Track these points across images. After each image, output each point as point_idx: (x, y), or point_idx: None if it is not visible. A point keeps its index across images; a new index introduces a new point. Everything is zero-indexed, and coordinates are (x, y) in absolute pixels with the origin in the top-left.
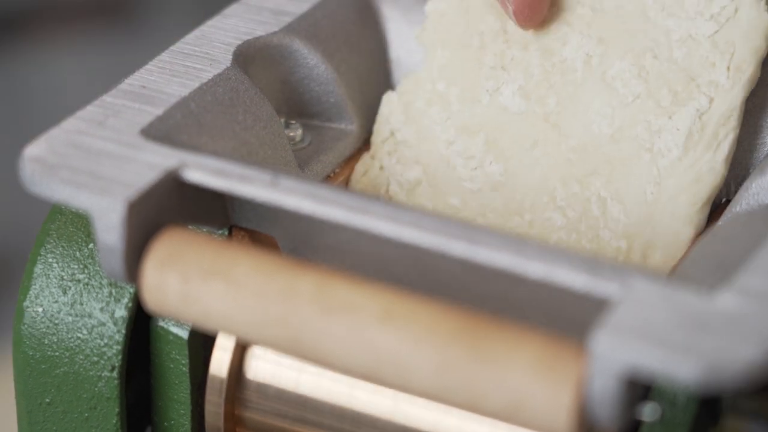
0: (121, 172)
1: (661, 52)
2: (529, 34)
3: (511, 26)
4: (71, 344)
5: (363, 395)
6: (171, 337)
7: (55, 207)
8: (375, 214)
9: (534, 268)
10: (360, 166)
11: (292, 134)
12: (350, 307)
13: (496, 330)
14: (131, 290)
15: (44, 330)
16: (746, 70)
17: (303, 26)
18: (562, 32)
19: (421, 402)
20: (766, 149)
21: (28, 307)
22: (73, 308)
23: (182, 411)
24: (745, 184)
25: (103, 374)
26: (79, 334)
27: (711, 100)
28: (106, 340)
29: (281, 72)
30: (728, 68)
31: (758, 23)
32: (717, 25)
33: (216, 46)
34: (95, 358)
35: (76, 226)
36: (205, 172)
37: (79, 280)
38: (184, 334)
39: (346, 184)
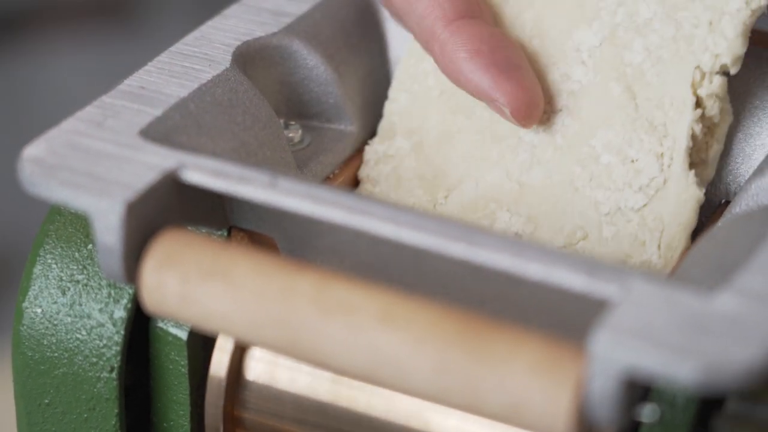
0: (120, 173)
1: (591, 231)
2: (456, 211)
3: (441, 200)
4: (70, 345)
5: (362, 396)
6: (170, 338)
7: (53, 208)
8: (374, 216)
9: (533, 269)
10: None
11: (291, 135)
12: (349, 308)
13: (495, 331)
14: (130, 291)
15: (43, 331)
16: (677, 247)
17: (303, 27)
18: (490, 209)
19: (420, 403)
20: (764, 151)
21: (27, 307)
22: (72, 309)
23: (181, 412)
24: (744, 186)
25: (102, 375)
26: (78, 335)
27: None
28: (105, 341)
29: (281, 73)
30: (659, 246)
31: (687, 197)
32: (646, 197)
33: (215, 47)
34: (94, 359)
35: (75, 226)
36: (204, 173)
37: (78, 281)
38: (183, 334)
39: (345, 185)
